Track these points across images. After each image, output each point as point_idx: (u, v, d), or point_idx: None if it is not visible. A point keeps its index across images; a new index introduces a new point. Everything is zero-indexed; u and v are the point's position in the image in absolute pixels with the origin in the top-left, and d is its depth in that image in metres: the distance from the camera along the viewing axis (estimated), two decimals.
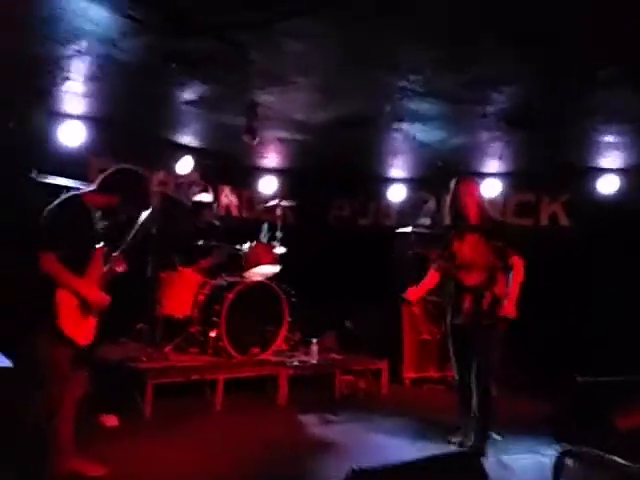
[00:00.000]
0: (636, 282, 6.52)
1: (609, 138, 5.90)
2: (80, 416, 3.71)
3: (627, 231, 6.75)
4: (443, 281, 4.83)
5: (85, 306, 3.49)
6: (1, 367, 3.78)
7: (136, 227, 3.86)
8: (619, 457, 2.34)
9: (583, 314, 6.78)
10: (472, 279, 4.54)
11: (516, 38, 3.97)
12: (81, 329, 3.48)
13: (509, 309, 4.43)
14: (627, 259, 6.66)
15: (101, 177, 3.69)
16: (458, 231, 4.67)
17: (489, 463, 3.17)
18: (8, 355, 3.89)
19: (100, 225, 3.67)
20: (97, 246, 3.64)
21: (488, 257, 4.54)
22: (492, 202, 7.10)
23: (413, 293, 4.90)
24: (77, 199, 3.57)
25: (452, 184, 4.72)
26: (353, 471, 2.46)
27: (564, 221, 7.53)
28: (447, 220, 4.81)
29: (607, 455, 2.34)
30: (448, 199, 4.78)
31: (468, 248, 4.61)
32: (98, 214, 3.64)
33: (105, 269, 3.68)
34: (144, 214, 3.85)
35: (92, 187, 3.67)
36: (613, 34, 3.81)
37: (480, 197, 4.77)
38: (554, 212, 7.59)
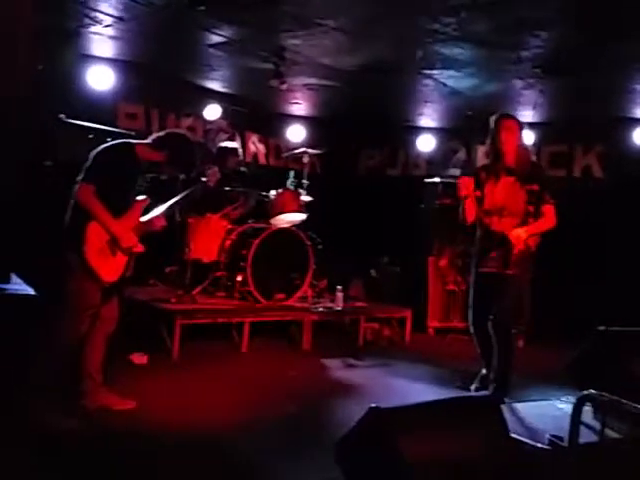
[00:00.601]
0: None
1: None
2: (111, 353, 3.84)
3: None
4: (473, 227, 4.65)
5: (114, 244, 3.58)
6: (26, 295, 3.91)
7: (180, 198, 4.20)
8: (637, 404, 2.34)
9: (614, 267, 6.70)
10: (502, 225, 4.36)
11: None
12: (107, 265, 3.57)
13: (518, 236, 4.24)
14: None
15: (156, 135, 3.91)
16: (493, 172, 4.46)
17: (508, 409, 3.20)
18: (32, 284, 4.01)
19: (145, 178, 3.86)
20: (140, 197, 3.80)
21: (522, 203, 4.35)
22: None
23: (467, 184, 4.46)
24: (130, 145, 3.76)
25: (492, 120, 4.47)
26: (371, 409, 2.52)
27: (598, 173, 7.37)
28: (485, 159, 4.65)
29: (626, 401, 2.34)
30: (488, 138, 4.51)
31: (501, 192, 4.40)
32: (145, 166, 3.83)
33: (144, 221, 3.81)
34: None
35: (146, 140, 3.84)
36: None
37: (520, 135, 4.52)
38: (588, 164, 7.43)
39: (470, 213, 4.48)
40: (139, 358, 4.87)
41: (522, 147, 4.53)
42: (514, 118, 4.58)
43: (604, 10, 4.25)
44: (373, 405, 2.50)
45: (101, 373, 3.73)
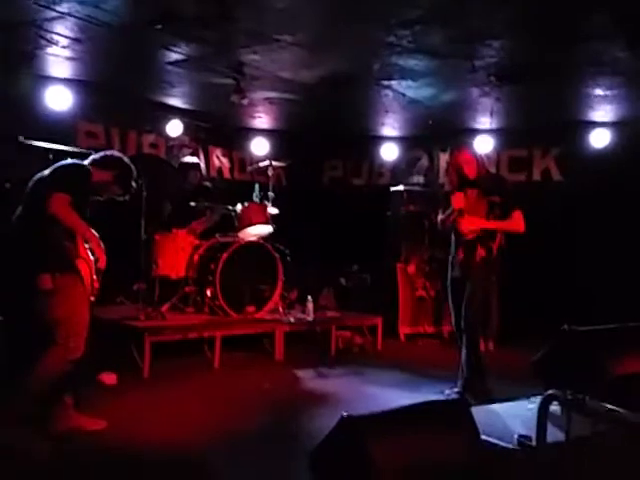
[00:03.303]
0: (627, 234, 6.61)
1: (600, 91, 5.88)
2: (79, 373, 3.75)
3: (618, 184, 6.79)
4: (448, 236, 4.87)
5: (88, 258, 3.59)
6: None
7: None
8: (609, 403, 2.39)
9: (577, 267, 6.89)
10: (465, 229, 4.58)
11: None
12: (89, 278, 3.58)
13: (469, 222, 4.51)
14: (618, 211, 6.72)
15: (94, 156, 3.82)
16: (459, 190, 4.66)
17: (476, 411, 3.26)
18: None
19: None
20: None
21: (483, 213, 4.57)
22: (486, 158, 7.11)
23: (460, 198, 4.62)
24: (87, 167, 3.67)
25: (448, 157, 4.79)
26: (342, 418, 2.54)
27: (556, 175, 7.56)
28: (448, 186, 4.88)
29: (592, 399, 2.40)
30: (447, 170, 4.91)
31: (467, 203, 4.60)
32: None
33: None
34: None
35: (88, 161, 3.77)
36: None
37: (478, 160, 4.79)
38: (547, 167, 7.62)
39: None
40: (109, 378, 4.80)
41: (481, 165, 4.77)
42: (467, 150, 4.97)
43: (552, 18, 4.39)
44: (345, 414, 2.53)
45: (72, 395, 3.68)
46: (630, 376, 3.52)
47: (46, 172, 3.60)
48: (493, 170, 7.47)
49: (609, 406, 2.37)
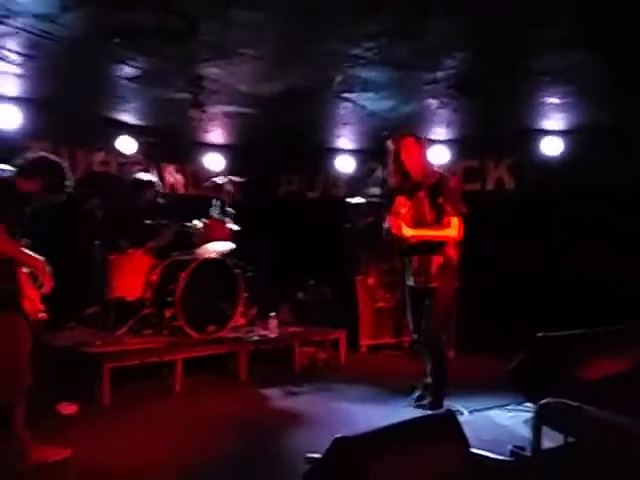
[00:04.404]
0: (578, 239, 6.76)
1: (553, 100, 6.01)
2: (36, 405, 3.57)
3: (571, 191, 6.95)
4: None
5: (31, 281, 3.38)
6: None
7: None
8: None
9: (537, 274, 6.99)
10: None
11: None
12: (32, 307, 3.37)
13: (399, 228, 4.34)
14: (575, 218, 6.87)
15: (18, 163, 3.49)
16: (407, 191, 4.50)
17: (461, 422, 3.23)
18: None
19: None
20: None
21: (428, 214, 4.41)
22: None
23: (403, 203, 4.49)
24: (9, 182, 3.38)
25: (390, 143, 4.52)
26: (336, 440, 2.44)
27: (509, 184, 7.69)
28: (392, 182, 4.61)
29: (582, 405, 2.39)
30: (390, 160, 4.56)
31: (415, 208, 4.46)
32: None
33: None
34: None
35: (12, 172, 3.45)
36: None
37: (421, 150, 4.54)
38: (500, 176, 7.75)
39: (396, 225, 4.45)
40: (67, 408, 4.56)
41: (424, 160, 4.55)
42: (412, 135, 4.60)
43: (508, 32, 4.46)
44: (338, 435, 2.43)
45: (27, 428, 3.42)
46: (599, 380, 3.56)
47: None
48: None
49: (603, 412, 2.37)
